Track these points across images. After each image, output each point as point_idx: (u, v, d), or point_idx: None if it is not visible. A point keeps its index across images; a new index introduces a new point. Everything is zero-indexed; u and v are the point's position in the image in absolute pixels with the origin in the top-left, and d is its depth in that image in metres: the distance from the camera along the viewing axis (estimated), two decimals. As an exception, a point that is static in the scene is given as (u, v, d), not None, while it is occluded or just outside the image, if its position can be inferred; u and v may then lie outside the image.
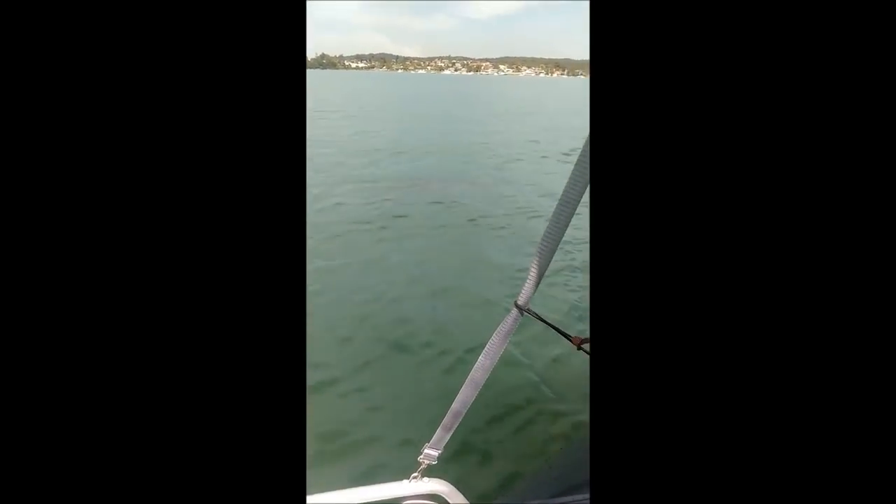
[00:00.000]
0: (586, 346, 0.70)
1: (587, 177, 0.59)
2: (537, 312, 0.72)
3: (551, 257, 0.65)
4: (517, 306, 0.71)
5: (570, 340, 0.70)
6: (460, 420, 0.86)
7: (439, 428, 0.88)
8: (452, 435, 0.88)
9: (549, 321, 0.73)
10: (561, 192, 0.61)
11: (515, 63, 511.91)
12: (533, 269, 0.67)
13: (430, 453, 0.91)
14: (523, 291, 0.70)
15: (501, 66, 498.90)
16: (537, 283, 0.68)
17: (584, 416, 2.41)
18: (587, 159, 0.58)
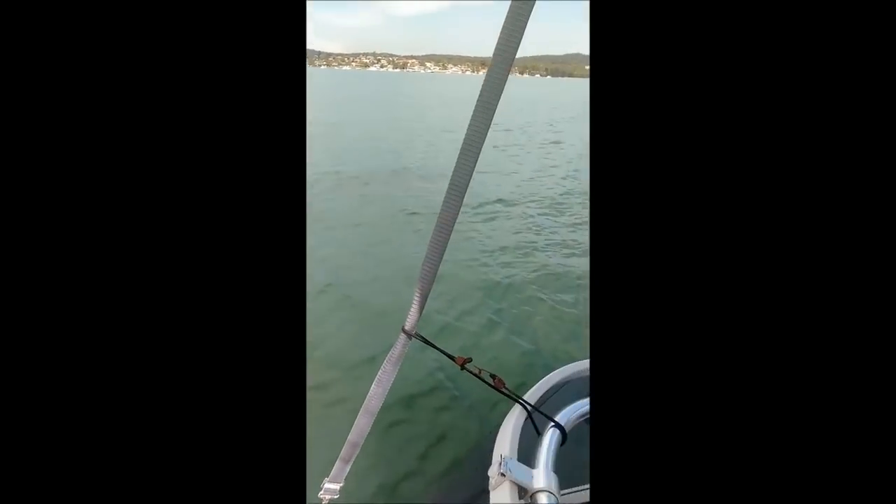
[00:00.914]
0: (469, 366, 0.70)
1: (460, 200, 0.57)
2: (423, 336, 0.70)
3: (433, 281, 0.63)
4: (405, 331, 0.69)
5: (454, 361, 0.69)
6: (358, 451, 0.82)
7: (338, 461, 0.84)
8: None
9: (434, 344, 0.71)
10: (436, 218, 0.59)
11: (441, 60, 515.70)
12: (417, 294, 0.65)
13: (330, 487, 0.86)
14: (409, 316, 0.68)
15: (428, 64, 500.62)
16: (422, 307, 0.66)
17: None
18: (459, 177, 0.56)
